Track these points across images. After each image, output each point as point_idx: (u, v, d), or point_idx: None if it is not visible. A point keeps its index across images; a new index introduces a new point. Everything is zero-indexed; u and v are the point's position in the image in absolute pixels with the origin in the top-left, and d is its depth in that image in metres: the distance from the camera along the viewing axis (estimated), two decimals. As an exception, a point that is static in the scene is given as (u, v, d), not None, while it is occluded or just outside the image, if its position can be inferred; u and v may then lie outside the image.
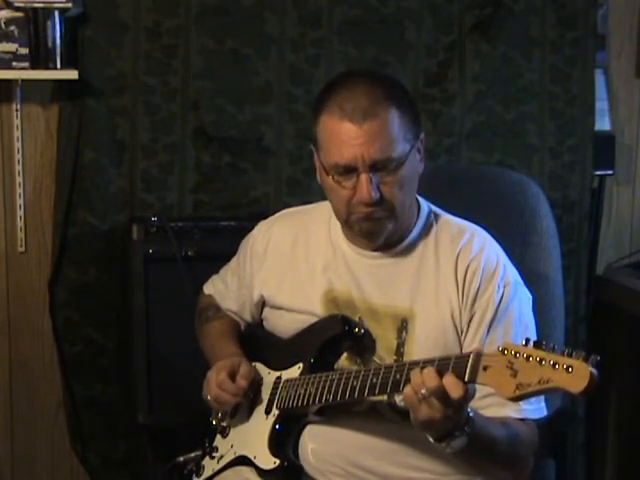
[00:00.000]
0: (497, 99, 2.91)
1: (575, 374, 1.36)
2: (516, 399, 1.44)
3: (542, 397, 1.79)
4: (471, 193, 2.28)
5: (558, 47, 2.93)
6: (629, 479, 3.03)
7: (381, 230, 1.79)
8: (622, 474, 3.06)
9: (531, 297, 1.87)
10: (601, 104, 3.03)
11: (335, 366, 1.85)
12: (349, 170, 1.74)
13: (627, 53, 3.07)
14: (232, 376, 1.88)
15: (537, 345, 1.42)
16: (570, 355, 1.38)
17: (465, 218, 1.92)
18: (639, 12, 3.06)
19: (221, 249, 2.22)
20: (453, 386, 1.51)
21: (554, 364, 1.38)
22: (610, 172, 3.08)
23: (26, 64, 2.56)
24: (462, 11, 2.85)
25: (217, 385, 1.87)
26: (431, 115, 2.86)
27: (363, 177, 1.72)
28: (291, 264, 1.95)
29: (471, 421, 1.58)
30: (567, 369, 1.37)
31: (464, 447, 1.59)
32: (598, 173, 3.05)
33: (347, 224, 1.82)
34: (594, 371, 1.36)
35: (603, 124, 3.05)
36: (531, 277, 1.96)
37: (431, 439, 1.60)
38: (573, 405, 2.97)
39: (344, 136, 1.72)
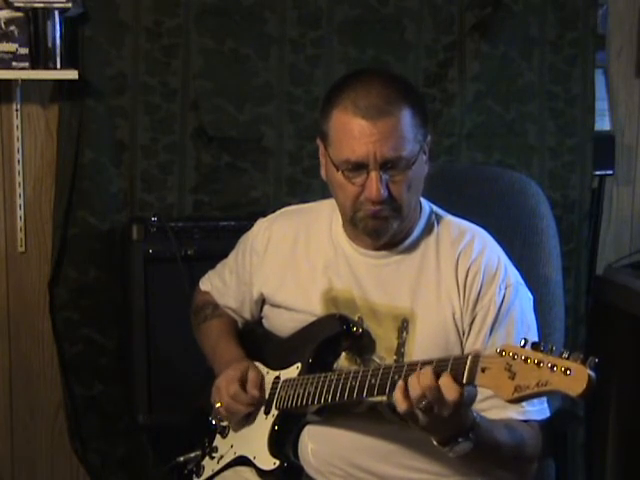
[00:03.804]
0: (497, 99, 2.91)
1: (573, 377, 1.35)
2: (514, 401, 1.44)
3: (544, 398, 1.78)
4: (471, 193, 2.28)
5: (558, 47, 2.93)
6: (629, 479, 3.03)
7: (386, 229, 1.79)
8: (622, 474, 3.05)
9: (532, 297, 1.87)
10: (601, 104, 3.03)
11: (334, 366, 1.84)
12: (359, 167, 1.73)
13: (627, 53, 3.08)
14: (242, 384, 1.88)
15: (535, 347, 1.42)
16: (568, 357, 1.37)
17: (465, 218, 1.92)
18: (639, 12, 3.07)
19: (221, 249, 2.21)
20: (449, 388, 1.50)
21: (552, 366, 1.38)
22: (610, 172, 3.08)
23: (26, 64, 2.56)
24: (462, 11, 2.85)
25: (230, 397, 1.87)
26: (431, 115, 2.83)
27: (373, 174, 1.72)
28: (291, 262, 1.95)
29: (476, 427, 1.58)
30: (565, 372, 1.36)
31: (468, 452, 1.58)
32: (598, 173, 3.05)
33: (352, 221, 1.82)
34: (592, 374, 1.35)
35: (603, 124, 3.05)
36: (531, 277, 1.96)
37: (435, 442, 1.60)
38: (573, 405, 2.96)
39: (357, 132, 1.72)
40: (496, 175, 2.38)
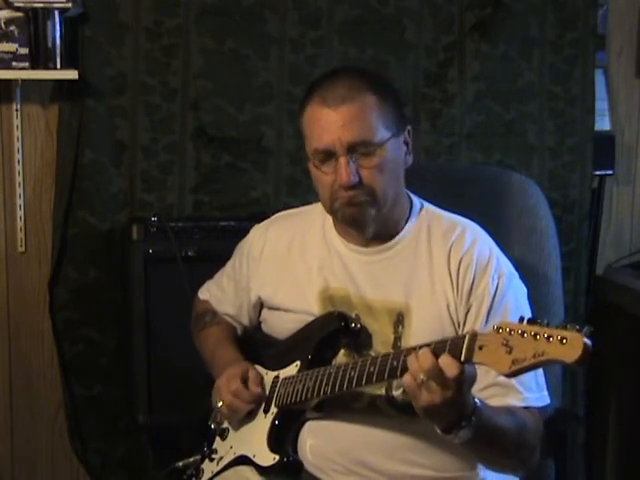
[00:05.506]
0: (497, 99, 2.91)
1: (569, 345, 1.37)
2: (511, 375, 1.45)
3: (544, 385, 1.81)
4: (471, 193, 2.28)
5: (558, 47, 2.93)
6: (629, 479, 3.03)
7: (364, 216, 1.81)
8: (622, 474, 3.06)
9: (526, 290, 1.88)
10: (601, 104, 3.03)
11: (332, 362, 1.85)
12: (329, 155, 1.78)
13: (627, 53, 3.07)
14: (243, 381, 1.89)
15: (532, 321, 1.44)
16: (565, 328, 1.39)
17: (465, 217, 1.93)
18: (639, 12, 3.07)
19: (221, 249, 2.21)
20: (448, 365, 1.51)
21: (548, 337, 1.39)
22: (610, 172, 3.08)
23: (26, 64, 2.56)
24: (462, 11, 2.85)
25: (232, 393, 1.88)
26: (431, 115, 2.86)
27: (341, 160, 1.76)
28: (288, 265, 1.96)
29: (478, 411, 1.59)
30: (561, 340, 1.38)
31: (472, 437, 1.59)
32: (598, 173, 3.05)
33: (332, 212, 1.85)
34: (588, 341, 1.36)
35: (603, 124, 3.05)
36: (530, 277, 1.96)
37: (439, 430, 1.60)
38: (573, 405, 2.97)
39: (323, 122, 1.77)
40: (496, 175, 2.38)
